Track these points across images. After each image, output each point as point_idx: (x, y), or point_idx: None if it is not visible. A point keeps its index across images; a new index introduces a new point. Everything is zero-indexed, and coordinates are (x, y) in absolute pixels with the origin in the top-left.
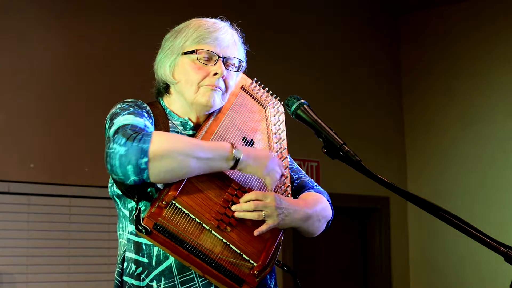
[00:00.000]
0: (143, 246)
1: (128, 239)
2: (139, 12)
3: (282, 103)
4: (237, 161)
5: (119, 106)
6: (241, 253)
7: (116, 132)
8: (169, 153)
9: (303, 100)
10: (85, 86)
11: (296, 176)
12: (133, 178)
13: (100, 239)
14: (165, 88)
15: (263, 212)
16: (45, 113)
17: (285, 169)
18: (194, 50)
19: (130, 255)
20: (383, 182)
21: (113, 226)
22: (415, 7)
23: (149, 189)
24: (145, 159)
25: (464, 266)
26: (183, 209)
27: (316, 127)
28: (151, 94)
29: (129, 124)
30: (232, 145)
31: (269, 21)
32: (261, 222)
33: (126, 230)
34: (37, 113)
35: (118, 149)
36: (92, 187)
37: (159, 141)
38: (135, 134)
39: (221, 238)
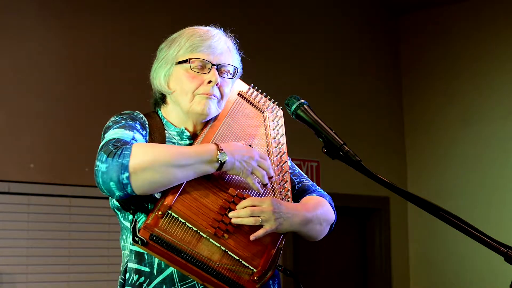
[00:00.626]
0: (145, 256)
1: (131, 250)
2: (139, 12)
3: (281, 107)
4: (221, 164)
5: (113, 119)
6: (240, 260)
7: (101, 148)
8: (150, 165)
9: (303, 100)
10: (85, 86)
11: (298, 180)
12: (118, 193)
13: (100, 239)
14: (162, 98)
15: (260, 218)
16: (45, 113)
17: (285, 173)
18: (187, 59)
19: (132, 265)
20: (383, 182)
21: (113, 226)
22: (415, 7)
23: (145, 201)
24: (126, 174)
25: (464, 266)
26: (180, 219)
27: (316, 127)
28: (151, 94)
29: (113, 139)
30: (217, 146)
31: (269, 21)
32: (259, 228)
33: (128, 242)
34: (37, 113)
35: (100, 166)
36: (92, 187)
37: (138, 154)
38: (115, 149)
39: (219, 245)
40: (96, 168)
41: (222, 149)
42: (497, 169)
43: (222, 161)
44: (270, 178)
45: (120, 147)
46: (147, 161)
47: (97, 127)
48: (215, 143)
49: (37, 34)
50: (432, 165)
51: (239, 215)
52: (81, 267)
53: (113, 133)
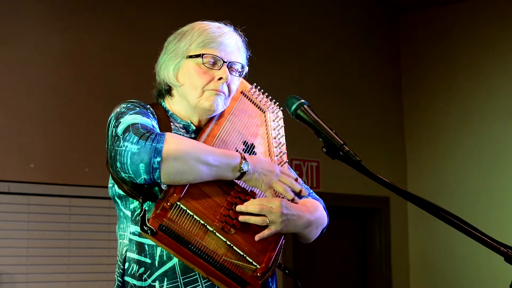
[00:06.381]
0: (146, 246)
1: (130, 240)
2: (140, 11)
3: (281, 108)
4: (243, 173)
5: (124, 105)
6: (245, 255)
7: (126, 130)
8: (182, 155)
9: (303, 100)
10: (85, 86)
11: None
12: (144, 176)
13: (100, 239)
14: (167, 90)
15: (267, 218)
16: (45, 113)
17: None
18: (200, 54)
19: (132, 255)
20: (383, 182)
21: (113, 226)
22: (415, 7)
23: (154, 189)
24: (158, 159)
25: (464, 266)
26: (188, 211)
27: (316, 127)
28: (151, 94)
29: (139, 123)
30: (242, 155)
31: (269, 21)
32: (264, 225)
33: (128, 231)
34: (37, 113)
35: (130, 147)
36: (92, 187)
37: (173, 142)
38: (148, 133)
39: (225, 240)
40: (123, 148)
41: (245, 158)
42: (497, 169)
43: (244, 171)
44: (298, 193)
45: (152, 131)
46: (180, 151)
47: (97, 127)
48: (239, 152)
49: (37, 33)
50: (432, 165)
51: (248, 209)
52: (81, 267)
53: (132, 118)
